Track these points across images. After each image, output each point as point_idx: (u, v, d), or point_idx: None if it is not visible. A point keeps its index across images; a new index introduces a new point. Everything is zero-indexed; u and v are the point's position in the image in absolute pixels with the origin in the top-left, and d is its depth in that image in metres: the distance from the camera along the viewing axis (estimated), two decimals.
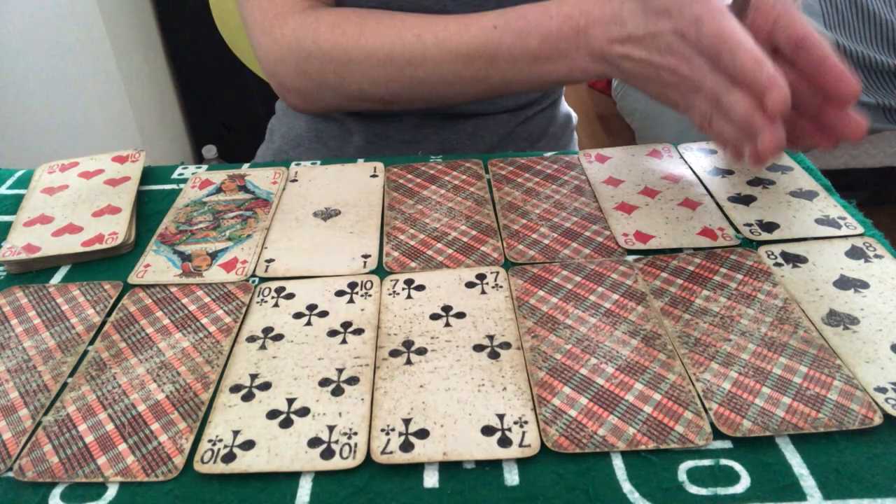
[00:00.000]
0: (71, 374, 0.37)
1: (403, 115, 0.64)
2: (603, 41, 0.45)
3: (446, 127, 0.65)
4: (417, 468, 0.31)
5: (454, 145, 0.66)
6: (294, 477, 0.31)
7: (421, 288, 0.41)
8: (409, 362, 0.36)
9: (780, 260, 0.42)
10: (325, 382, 0.35)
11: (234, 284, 0.43)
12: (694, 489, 0.29)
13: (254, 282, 0.43)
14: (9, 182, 0.56)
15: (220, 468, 0.31)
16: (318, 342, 0.38)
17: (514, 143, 0.68)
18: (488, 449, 0.31)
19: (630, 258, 0.43)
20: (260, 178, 0.54)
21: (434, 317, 0.39)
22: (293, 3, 0.55)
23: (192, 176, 0.55)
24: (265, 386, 0.35)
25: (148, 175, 0.56)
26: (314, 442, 0.32)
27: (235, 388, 0.35)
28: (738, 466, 0.30)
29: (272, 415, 0.33)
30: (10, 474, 0.31)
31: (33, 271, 0.46)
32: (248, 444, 0.32)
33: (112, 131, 1.50)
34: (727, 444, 0.31)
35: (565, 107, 0.74)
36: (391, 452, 0.31)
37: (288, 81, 0.56)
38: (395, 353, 0.36)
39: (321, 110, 0.64)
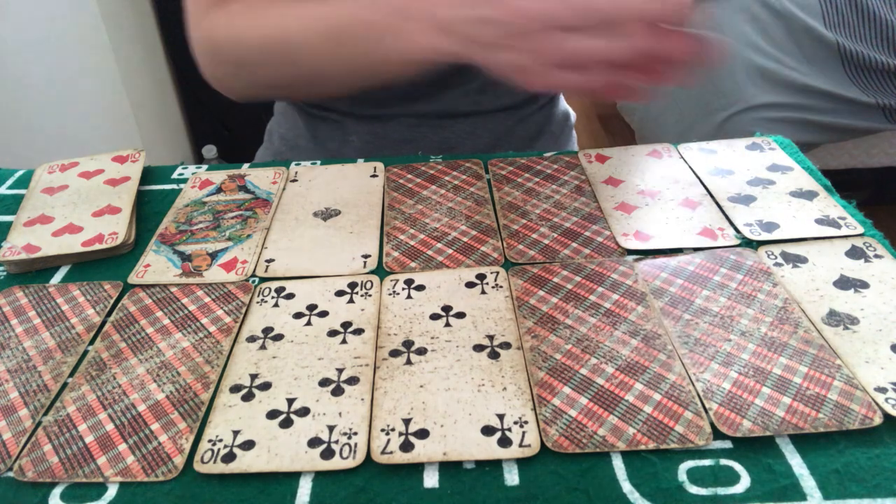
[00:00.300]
0: (71, 374, 0.37)
1: (400, 115, 0.64)
2: (448, 11, 0.43)
3: (444, 126, 0.65)
4: (417, 468, 0.31)
5: (452, 144, 0.65)
6: (294, 477, 0.31)
7: (421, 288, 0.41)
8: (409, 362, 0.36)
9: (780, 260, 0.42)
10: (325, 382, 0.35)
11: (234, 284, 0.43)
12: (694, 489, 0.29)
13: (254, 282, 0.43)
14: (9, 182, 0.56)
15: (220, 468, 0.31)
16: (318, 342, 0.38)
17: (512, 141, 0.67)
18: (488, 449, 0.31)
19: (630, 258, 0.43)
20: (260, 178, 0.54)
21: (434, 317, 0.39)
22: None
23: (192, 176, 0.55)
24: (265, 386, 0.35)
25: (148, 175, 0.56)
26: (314, 442, 0.32)
27: (235, 388, 0.35)
28: (738, 466, 0.30)
29: (272, 415, 0.33)
30: (10, 474, 0.31)
31: (33, 271, 0.46)
32: (248, 444, 0.32)
33: (112, 131, 1.50)
34: (727, 444, 0.31)
35: (563, 105, 0.74)
36: (391, 452, 0.31)
37: (206, 72, 0.59)
38: (395, 353, 0.36)
39: (244, 98, 0.66)
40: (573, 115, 0.76)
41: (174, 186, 0.54)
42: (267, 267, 0.44)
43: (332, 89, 0.58)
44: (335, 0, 0.51)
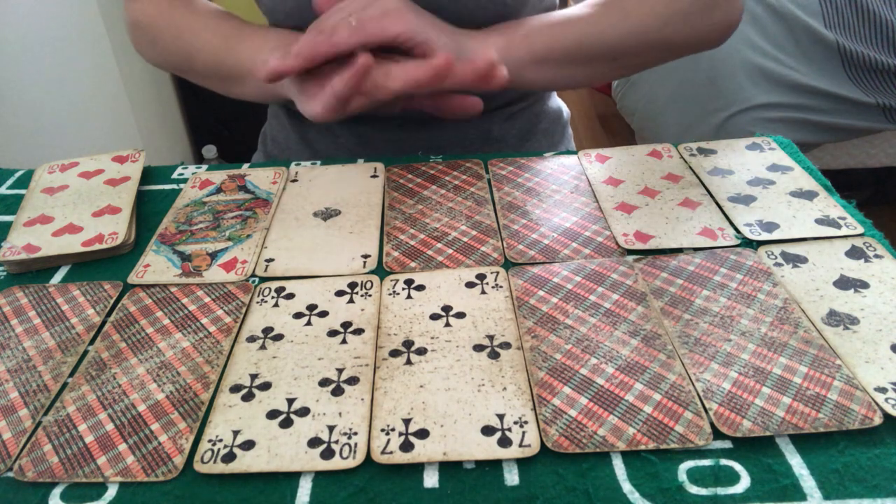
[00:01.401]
0: (71, 374, 0.37)
1: (386, 118, 0.64)
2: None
3: (431, 127, 0.65)
4: (417, 468, 0.31)
5: (440, 144, 0.65)
6: (294, 477, 0.31)
7: (421, 288, 0.41)
8: (409, 362, 0.36)
9: (780, 260, 0.42)
10: (325, 382, 0.35)
11: (233, 284, 0.43)
12: (694, 489, 0.29)
13: (254, 282, 0.43)
14: (9, 182, 0.56)
15: (220, 468, 0.31)
16: (318, 342, 0.38)
17: (503, 140, 0.67)
18: (488, 449, 0.31)
19: (630, 258, 0.43)
20: (260, 178, 0.54)
21: (434, 317, 0.39)
22: None
23: (192, 176, 0.55)
24: (265, 386, 0.35)
25: (148, 175, 0.56)
26: (314, 442, 0.32)
27: (235, 388, 0.35)
28: (738, 466, 0.30)
29: (272, 415, 0.33)
30: (10, 474, 0.31)
31: (33, 271, 0.46)
32: (248, 444, 0.32)
33: (112, 131, 1.50)
34: (727, 444, 0.31)
35: (556, 101, 0.73)
36: (391, 452, 0.31)
37: (134, 46, 0.66)
38: (395, 353, 0.36)
39: (165, 69, 0.70)
40: (567, 112, 0.75)
41: (174, 186, 0.54)
42: (267, 266, 0.44)
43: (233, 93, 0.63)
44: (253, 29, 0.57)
